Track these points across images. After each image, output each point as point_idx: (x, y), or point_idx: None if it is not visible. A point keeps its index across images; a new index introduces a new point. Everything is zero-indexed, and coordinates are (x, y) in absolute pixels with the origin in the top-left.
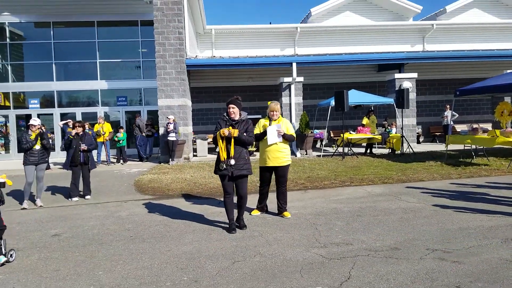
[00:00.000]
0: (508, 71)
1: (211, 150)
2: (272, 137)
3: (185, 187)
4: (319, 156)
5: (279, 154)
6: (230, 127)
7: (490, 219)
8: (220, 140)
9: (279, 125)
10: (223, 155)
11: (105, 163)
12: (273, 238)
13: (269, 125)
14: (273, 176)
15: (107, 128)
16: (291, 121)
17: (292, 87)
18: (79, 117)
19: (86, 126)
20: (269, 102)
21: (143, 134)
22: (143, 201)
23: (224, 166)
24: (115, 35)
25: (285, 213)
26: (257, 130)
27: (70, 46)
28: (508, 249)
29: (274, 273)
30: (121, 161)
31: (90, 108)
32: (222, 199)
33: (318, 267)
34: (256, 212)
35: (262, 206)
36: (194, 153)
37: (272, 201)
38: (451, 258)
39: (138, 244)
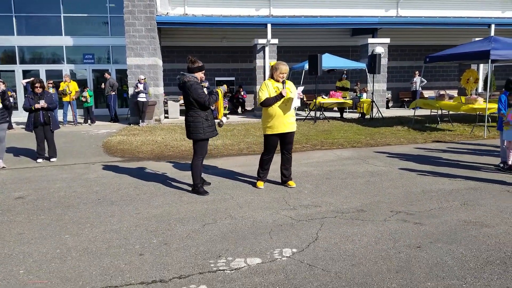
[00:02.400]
0: (476, 39)
1: (183, 112)
2: (296, 100)
3: (155, 150)
4: None
5: (293, 119)
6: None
7: (451, 182)
8: (221, 100)
9: (301, 88)
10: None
11: (72, 123)
12: (244, 201)
13: (283, 87)
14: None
15: (73, 87)
16: None
17: (267, 49)
18: (42, 75)
19: (49, 85)
20: (272, 63)
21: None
22: (111, 163)
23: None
24: None
25: (290, 182)
26: (265, 93)
27: None
28: (466, 211)
29: (244, 235)
30: (89, 121)
31: (55, 66)
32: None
33: (287, 228)
34: (261, 184)
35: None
36: (166, 115)
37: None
38: (413, 220)
39: (106, 207)
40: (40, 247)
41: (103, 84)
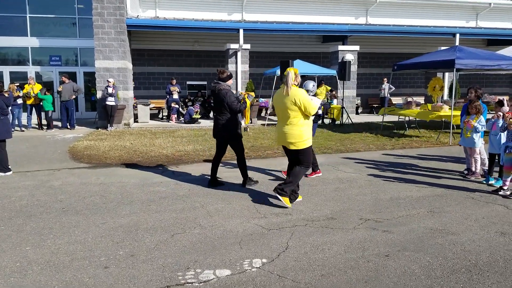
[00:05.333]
0: (442, 48)
1: (153, 116)
2: None
3: (124, 155)
4: (263, 125)
5: None
6: None
7: (419, 189)
8: (249, 108)
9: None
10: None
11: (37, 127)
12: (214, 209)
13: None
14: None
15: (37, 89)
16: (237, 89)
17: (239, 54)
18: (6, 77)
19: (15, 87)
20: (296, 70)
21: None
22: (77, 170)
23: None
24: None
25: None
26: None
27: None
28: (433, 219)
29: (214, 245)
30: (45, 127)
31: (20, 67)
32: (161, 170)
33: (257, 238)
34: (289, 202)
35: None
36: (136, 119)
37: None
38: (381, 228)
39: (70, 216)
40: None
41: (60, 86)
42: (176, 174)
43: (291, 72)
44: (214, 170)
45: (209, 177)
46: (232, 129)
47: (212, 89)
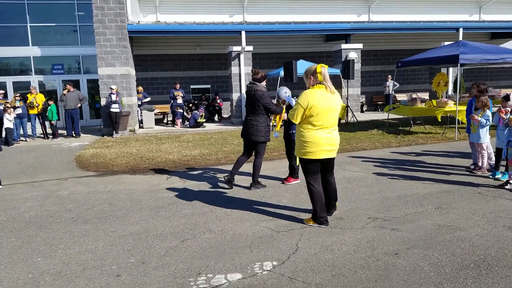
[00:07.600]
0: (446, 43)
1: (158, 121)
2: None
3: (130, 162)
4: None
5: None
6: None
7: (426, 186)
8: (283, 114)
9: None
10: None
11: (42, 137)
12: (223, 213)
13: None
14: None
15: (40, 99)
16: (240, 91)
17: (242, 56)
18: (10, 87)
19: (16, 98)
20: (323, 66)
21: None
22: (85, 178)
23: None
24: None
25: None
26: None
27: None
28: (441, 215)
29: (224, 249)
30: (51, 137)
31: (23, 77)
32: (168, 175)
33: (267, 240)
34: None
35: None
36: (140, 125)
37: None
38: (390, 226)
39: (80, 225)
40: (11, 273)
41: (64, 92)
42: (184, 179)
43: (326, 69)
44: (236, 167)
45: (217, 181)
46: (260, 133)
47: (248, 90)
